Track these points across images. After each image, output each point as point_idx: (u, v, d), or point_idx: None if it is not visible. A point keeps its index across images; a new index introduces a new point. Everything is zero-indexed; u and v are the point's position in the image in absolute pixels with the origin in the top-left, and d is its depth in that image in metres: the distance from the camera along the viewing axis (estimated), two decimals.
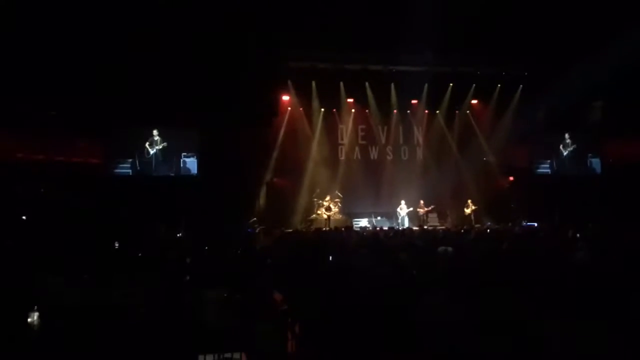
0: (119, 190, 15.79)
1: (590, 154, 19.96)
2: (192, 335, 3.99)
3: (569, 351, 2.51)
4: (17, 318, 3.81)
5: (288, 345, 4.28)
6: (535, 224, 16.32)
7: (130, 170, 16.87)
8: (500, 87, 19.52)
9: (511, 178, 19.56)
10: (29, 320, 3.85)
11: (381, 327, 3.49)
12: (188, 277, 5.65)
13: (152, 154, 17.05)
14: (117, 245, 8.36)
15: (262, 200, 17.60)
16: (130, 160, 16.90)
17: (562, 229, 11.36)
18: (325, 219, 17.57)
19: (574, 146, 19.85)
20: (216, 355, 4.06)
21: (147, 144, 17.00)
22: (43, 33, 13.36)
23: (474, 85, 19.61)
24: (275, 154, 17.99)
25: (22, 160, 14.77)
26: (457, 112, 20.05)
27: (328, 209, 17.76)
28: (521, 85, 19.36)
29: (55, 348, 3.55)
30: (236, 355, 4.12)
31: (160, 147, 17.06)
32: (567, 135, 19.88)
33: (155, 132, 17.02)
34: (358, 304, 4.03)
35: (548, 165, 19.95)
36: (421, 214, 18.17)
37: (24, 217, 12.81)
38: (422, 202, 18.23)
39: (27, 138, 14.97)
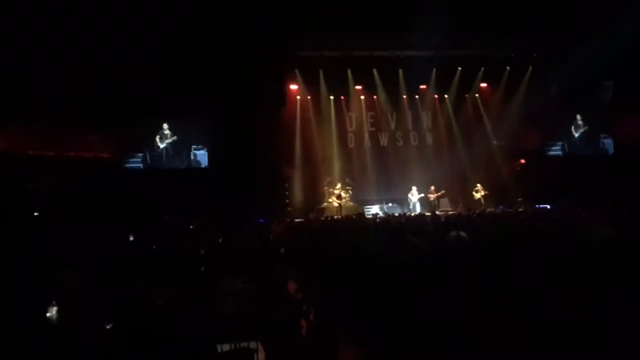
0: (131, 183, 15.87)
1: (602, 135, 19.75)
2: (209, 325, 4.02)
3: (584, 328, 2.52)
4: (36, 313, 3.86)
5: (303, 333, 4.30)
6: (548, 206, 16.23)
7: (141, 165, 16.96)
8: (509, 69, 19.35)
9: (522, 161, 19.44)
10: (47, 314, 3.90)
11: (395, 310, 3.50)
12: (203, 268, 5.69)
13: (162, 147, 17.11)
14: (131, 238, 8.41)
15: (273, 191, 17.60)
16: (141, 154, 16.97)
17: (575, 210, 11.30)
18: (337, 207, 17.57)
19: (586, 127, 19.64)
20: (232, 345, 4.10)
21: (157, 138, 17.06)
22: (52, 28, 13.39)
23: (483, 68, 19.47)
24: (283, 144, 17.94)
25: (33, 157, 14.85)
26: (466, 95, 19.92)
27: (339, 197, 17.77)
28: (531, 67, 19.16)
29: (73, 341, 3.60)
30: (252, 344, 4.15)
31: (170, 140, 17.11)
32: (578, 117, 19.66)
33: (165, 125, 17.07)
34: (371, 290, 4.05)
35: (559, 147, 19.78)
36: (432, 199, 18.13)
37: (36, 213, 12.90)
38: (432, 187, 18.19)
39: (37, 134, 15.03)
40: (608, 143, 19.70)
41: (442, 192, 18.23)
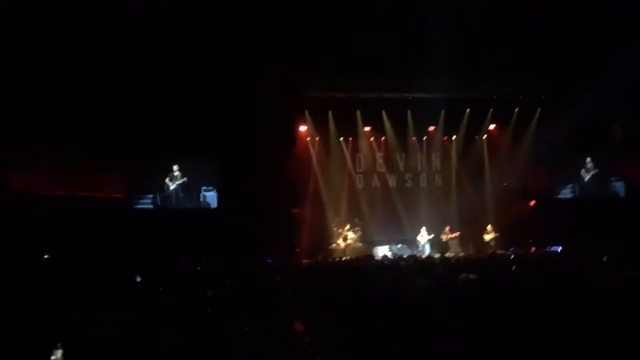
0: (140, 224, 15.90)
1: (613, 178, 19.59)
2: None
3: None
4: (41, 356, 3.82)
5: None
6: (559, 249, 16.03)
7: (151, 206, 16.99)
8: (518, 110, 19.42)
9: (532, 202, 19.33)
10: (52, 358, 3.85)
11: (404, 354, 3.45)
12: (209, 310, 5.63)
13: (172, 189, 17.16)
14: (138, 278, 8.38)
15: (281, 232, 17.54)
16: (151, 196, 17.02)
17: (585, 254, 11.16)
18: (344, 248, 17.46)
19: (596, 170, 19.46)
20: None
21: (167, 180, 17.12)
22: (64, 70, 13.65)
23: (492, 109, 19.55)
24: (293, 185, 17.95)
25: (44, 197, 14.93)
26: (475, 137, 19.99)
27: (347, 238, 17.68)
28: (539, 109, 19.22)
29: None
30: None
31: (181, 182, 17.16)
32: (588, 159, 19.54)
33: (175, 167, 17.15)
34: (379, 333, 3.99)
35: (570, 190, 19.63)
36: (445, 239, 17.96)
37: (46, 256, 12.88)
38: (448, 228, 18.05)
39: (48, 174, 15.16)
40: (619, 186, 19.51)
41: (458, 233, 18.06)
